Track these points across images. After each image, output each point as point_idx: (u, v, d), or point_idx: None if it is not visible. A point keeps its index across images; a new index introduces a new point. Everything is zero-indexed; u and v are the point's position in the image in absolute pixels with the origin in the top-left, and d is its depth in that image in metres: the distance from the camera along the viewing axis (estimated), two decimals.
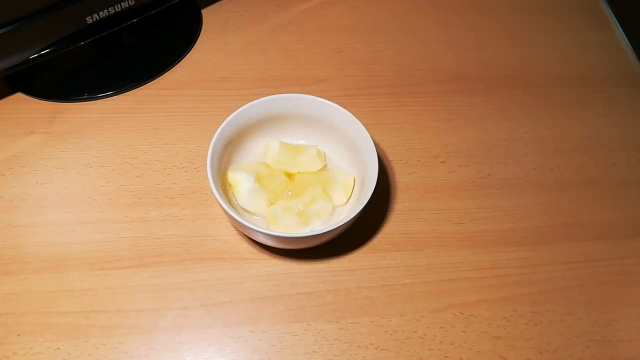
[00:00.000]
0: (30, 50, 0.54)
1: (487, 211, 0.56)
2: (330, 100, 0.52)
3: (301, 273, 0.51)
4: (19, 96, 0.60)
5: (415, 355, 0.47)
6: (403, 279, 0.51)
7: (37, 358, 0.45)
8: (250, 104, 0.51)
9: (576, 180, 0.59)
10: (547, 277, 0.52)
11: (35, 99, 0.60)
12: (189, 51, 0.66)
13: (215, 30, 0.68)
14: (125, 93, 0.62)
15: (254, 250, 0.52)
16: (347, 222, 0.46)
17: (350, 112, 0.51)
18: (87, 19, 0.55)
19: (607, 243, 0.55)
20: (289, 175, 0.53)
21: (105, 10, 0.56)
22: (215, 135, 0.49)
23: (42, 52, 0.55)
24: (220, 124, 0.50)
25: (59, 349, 0.45)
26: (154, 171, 0.56)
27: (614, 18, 0.74)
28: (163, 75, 0.63)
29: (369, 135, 0.50)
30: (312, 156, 0.53)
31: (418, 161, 0.59)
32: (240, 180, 0.51)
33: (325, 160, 0.55)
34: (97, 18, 0.56)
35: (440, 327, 0.49)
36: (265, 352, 0.47)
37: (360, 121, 0.51)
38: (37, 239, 0.51)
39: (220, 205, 0.46)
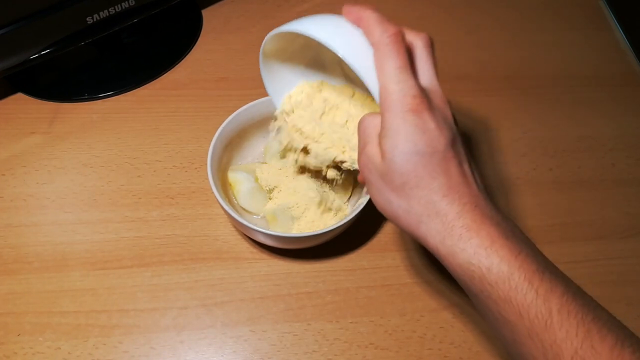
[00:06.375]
0: (30, 50, 0.54)
1: None
2: None
3: (301, 273, 0.51)
4: (20, 96, 0.60)
5: (415, 355, 0.47)
6: (403, 279, 0.51)
7: (37, 358, 0.45)
8: (250, 104, 0.51)
9: (575, 180, 0.59)
10: None
11: (36, 99, 0.60)
12: (189, 51, 0.66)
13: (215, 30, 0.68)
14: (126, 93, 0.62)
15: (254, 250, 0.52)
16: (347, 222, 0.46)
17: None
18: (87, 19, 0.55)
19: (606, 243, 0.55)
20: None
21: (106, 11, 0.56)
22: (215, 135, 0.49)
23: (42, 52, 0.55)
24: (220, 124, 0.50)
25: (59, 348, 0.46)
26: (154, 171, 0.56)
27: (614, 18, 0.74)
28: (163, 75, 0.63)
29: None
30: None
31: None
32: (240, 180, 0.51)
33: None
34: (97, 18, 0.56)
35: (440, 327, 0.49)
36: (265, 352, 0.47)
37: None
38: (37, 239, 0.51)
39: (220, 205, 0.46)
